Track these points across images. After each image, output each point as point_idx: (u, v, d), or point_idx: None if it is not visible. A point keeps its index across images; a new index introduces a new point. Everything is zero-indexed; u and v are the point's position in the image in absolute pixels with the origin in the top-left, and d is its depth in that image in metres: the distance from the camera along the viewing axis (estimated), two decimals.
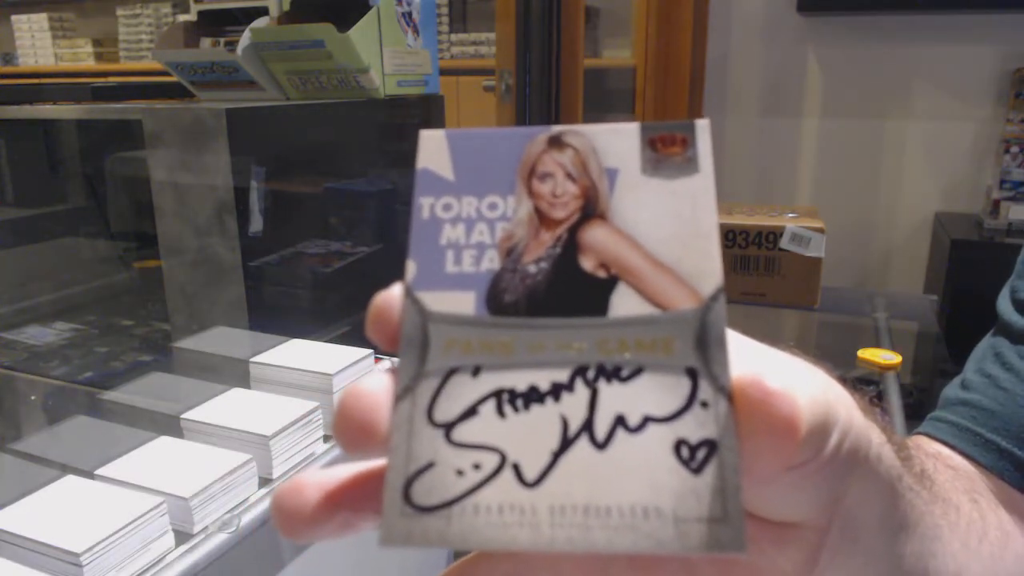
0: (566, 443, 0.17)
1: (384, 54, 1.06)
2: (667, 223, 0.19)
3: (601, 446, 0.17)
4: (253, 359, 0.73)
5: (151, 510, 0.52)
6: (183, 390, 0.80)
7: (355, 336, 1.00)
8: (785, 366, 0.19)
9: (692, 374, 0.17)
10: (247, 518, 0.58)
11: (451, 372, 0.18)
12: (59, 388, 0.94)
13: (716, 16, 2.20)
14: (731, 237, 1.40)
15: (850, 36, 2.11)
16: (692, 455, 0.17)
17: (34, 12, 3.53)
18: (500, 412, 0.17)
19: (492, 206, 0.19)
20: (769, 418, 0.17)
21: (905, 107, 2.10)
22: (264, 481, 0.62)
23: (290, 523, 0.18)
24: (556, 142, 0.20)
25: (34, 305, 1.15)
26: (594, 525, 0.16)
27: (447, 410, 0.17)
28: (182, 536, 0.55)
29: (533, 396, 0.17)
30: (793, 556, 0.22)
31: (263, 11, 1.04)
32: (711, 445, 0.17)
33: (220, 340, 0.88)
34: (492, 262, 0.19)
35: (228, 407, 0.66)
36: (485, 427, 0.17)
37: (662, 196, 0.19)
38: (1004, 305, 0.46)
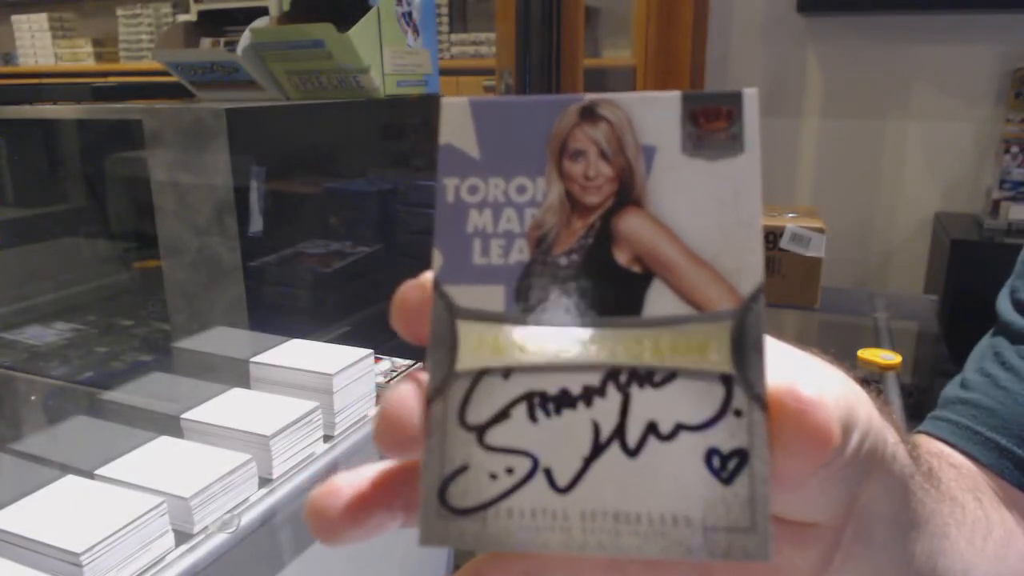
0: (597, 449, 0.17)
1: (384, 54, 1.06)
2: (707, 211, 0.18)
3: (632, 453, 0.17)
4: (253, 359, 0.72)
5: (151, 510, 0.52)
6: (183, 390, 0.80)
7: (355, 336, 1.00)
8: (811, 369, 0.19)
9: (727, 381, 0.17)
10: (247, 518, 0.58)
11: (482, 373, 0.17)
12: (59, 388, 0.94)
13: (716, 16, 2.20)
14: None
15: (850, 36, 2.11)
16: (723, 465, 0.16)
17: (34, 12, 3.54)
18: (532, 416, 0.17)
19: (521, 189, 0.18)
20: (803, 427, 0.16)
21: (905, 107, 2.10)
22: (264, 481, 0.62)
23: (327, 527, 0.18)
24: (589, 114, 0.18)
25: (34, 305, 1.15)
26: (624, 531, 0.16)
27: (479, 413, 0.17)
28: (182, 536, 0.55)
29: (564, 400, 0.17)
30: (810, 556, 0.22)
31: (263, 11, 1.04)
32: (743, 455, 0.16)
33: (220, 340, 0.88)
34: (521, 253, 0.18)
35: (228, 407, 0.66)
36: (517, 431, 0.17)
37: (703, 180, 0.18)
38: (1004, 305, 0.46)
